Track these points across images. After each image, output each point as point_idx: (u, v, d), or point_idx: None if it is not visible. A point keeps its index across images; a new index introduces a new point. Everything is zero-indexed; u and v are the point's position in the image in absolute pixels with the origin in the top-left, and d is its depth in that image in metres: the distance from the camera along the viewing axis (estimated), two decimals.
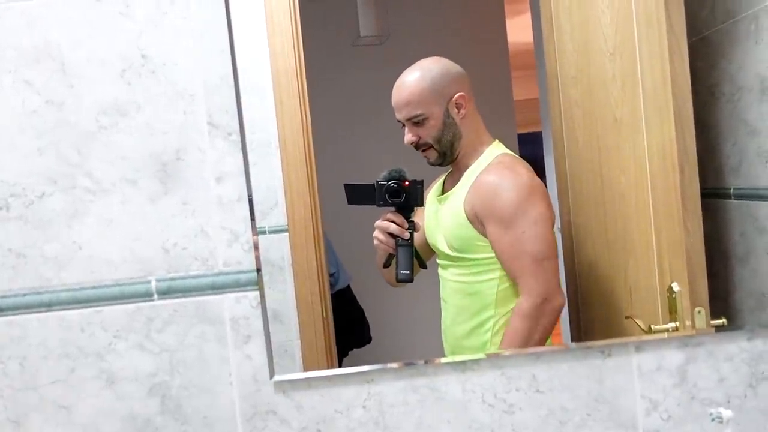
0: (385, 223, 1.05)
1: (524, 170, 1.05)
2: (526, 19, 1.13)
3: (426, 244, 1.09)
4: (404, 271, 1.03)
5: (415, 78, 1.04)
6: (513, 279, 1.02)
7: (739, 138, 1.04)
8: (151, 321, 1.01)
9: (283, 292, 1.01)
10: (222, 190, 1.00)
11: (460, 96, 1.04)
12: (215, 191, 1.00)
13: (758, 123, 1.01)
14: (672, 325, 0.99)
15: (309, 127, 1.01)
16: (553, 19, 1.14)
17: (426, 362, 1.01)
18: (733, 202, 1.05)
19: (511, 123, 1.10)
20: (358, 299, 1.09)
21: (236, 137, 0.99)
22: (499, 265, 1.03)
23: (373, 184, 1.02)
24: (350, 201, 1.02)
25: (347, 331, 1.05)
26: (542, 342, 1.03)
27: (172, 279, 1.00)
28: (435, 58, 1.05)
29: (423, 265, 1.07)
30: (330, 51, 1.07)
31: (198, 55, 0.99)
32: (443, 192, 1.09)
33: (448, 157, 1.06)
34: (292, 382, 1.01)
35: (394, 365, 1.01)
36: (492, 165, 1.05)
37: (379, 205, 1.02)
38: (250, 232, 1.00)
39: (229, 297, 1.00)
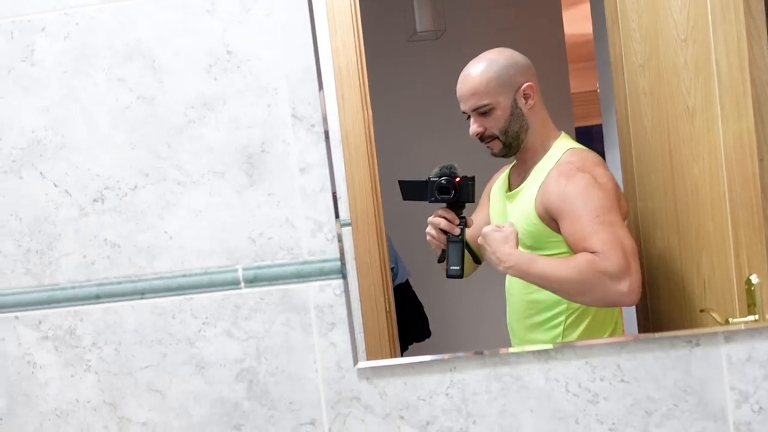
0: (436, 219, 1.05)
1: (595, 168, 1.02)
2: (584, 9, 1.11)
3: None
4: (454, 267, 1.03)
5: (482, 68, 1.03)
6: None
7: None
8: (238, 309, 1.04)
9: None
10: (305, 181, 1.02)
11: (528, 86, 1.03)
12: (299, 182, 1.02)
13: None
14: (751, 318, 0.96)
15: (370, 123, 1.02)
16: (618, 6, 1.11)
17: (509, 351, 1.01)
18: None
19: (568, 116, 1.08)
20: (418, 294, 1.09)
21: (319, 128, 1.01)
22: None
23: (426, 180, 1.03)
24: (405, 197, 1.03)
25: (407, 325, 1.05)
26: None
27: (258, 267, 1.03)
28: (500, 48, 1.04)
29: (477, 261, 1.07)
30: (387, 47, 1.07)
31: (281, 50, 1.01)
32: (510, 188, 1.08)
33: (513, 149, 1.05)
34: (376, 369, 1.02)
35: (476, 354, 1.01)
36: (562, 163, 1.03)
37: (430, 201, 1.03)
38: (334, 221, 1.02)
39: (314, 285, 1.03)
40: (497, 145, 1.04)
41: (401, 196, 1.02)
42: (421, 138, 1.08)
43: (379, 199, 1.02)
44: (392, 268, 1.05)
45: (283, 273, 1.03)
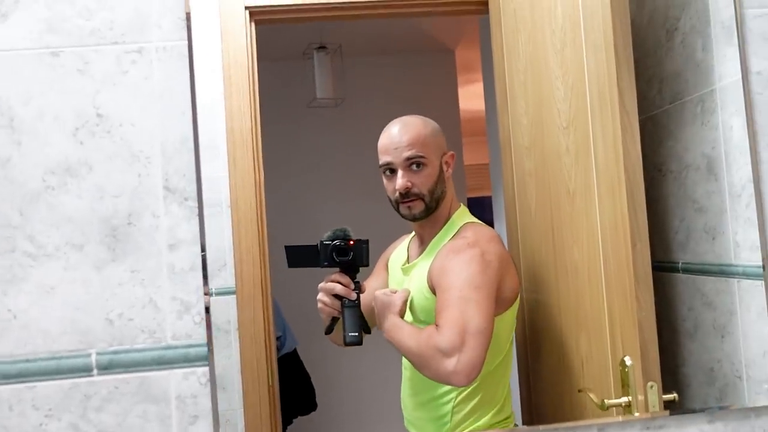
0: (330, 285, 1.01)
1: (487, 245, 1.03)
2: (478, 88, 1.16)
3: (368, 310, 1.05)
4: (353, 333, 0.99)
5: (419, 122, 1.04)
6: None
7: (687, 214, 1.07)
8: (88, 399, 0.93)
9: (228, 357, 0.96)
10: (175, 258, 0.95)
11: (451, 154, 1.05)
12: (167, 259, 0.95)
13: (704, 201, 1.04)
14: (625, 399, 0.98)
15: (262, 188, 0.99)
16: (507, 93, 1.17)
17: None
18: (681, 276, 1.08)
19: (461, 187, 1.11)
20: (305, 364, 1.05)
21: (193, 203, 0.95)
22: None
23: (317, 245, 0.99)
24: (291, 264, 0.98)
25: (293, 397, 1.01)
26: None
27: (114, 352, 0.93)
28: (423, 117, 1.05)
29: (367, 330, 1.03)
30: (286, 111, 1.07)
31: (157, 117, 0.95)
32: (408, 260, 1.07)
33: (430, 212, 1.04)
34: None
35: None
36: (456, 238, 1.04)
37: (323, 266, 0.99)
38: (203, 302, 0.94)
39: (177, 373, 0.94)
40: (419, 206, 1.03)
41: (286, 264, 0.97)
42: (317, 205, 1.08)
43: (267, 267, 0.98)
44: (279, 337, 1.00)
45: (142, 359, 0.93)
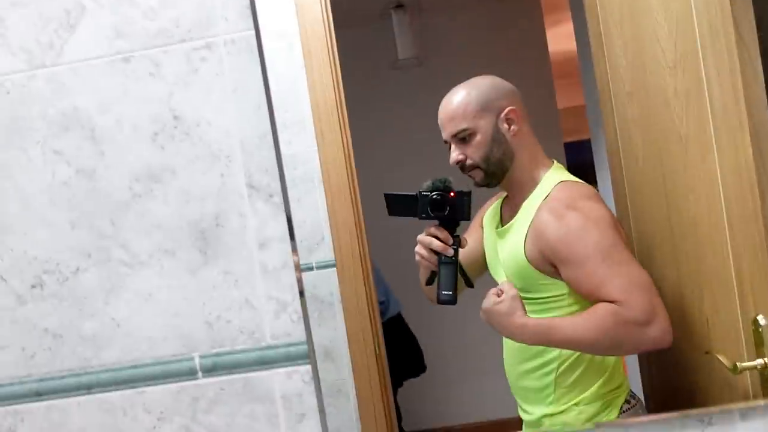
0: (427, 238, 0.96)
1: (586, 203, 0.97)
2: (568, 28, 1.09)
3: (480, 262, 1.02)
4: (446, 292, 0.94)
5: (461, 93, 0.98)
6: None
7: None
8: (196, 401, 0.94)
9: (333, 329, 0.95)
10: (266, 256, 0.93)
11: (511, 110, 0.97)
12: (259, 258, 0.93)
13: None
14: (760, 361, 0.89)
15: (351, 157, 0.95)
16: (601, 32, 1.07)
17: None
18: None
19: (556, 133, 1.05)
20: (411, 327, 1.03)
21: (278, 199, 0.92)
22: (568, 302, 0.94)
23: (416, 194, 0.94)
24: (391, 212, 0.95)
25: (401, 360, 0.99)
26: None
27: (217, 355, 0.94)
28: (483, 75, 0.99)
29: (469, 284, 0.99)
30: (369, 76, 1.03)
31: (233, 113, 0.92)
32: (501, 222, 1.01)
33: (497, 178, 0.98)
34: None
35: None
36: (551, 199, 0.96)
37: (421, 218, 0.94)
38: (298, 300, 0.92)
39: (279, 372, 0.93)
40: (479, 175, 0.98)
41: (387, 212, 0.95)
42: (407, 167, 1.03)
43: (364, 236, 0.95)
44: (383, 302, 0.98)
45: (244, 360, 0.93)
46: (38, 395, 0.95)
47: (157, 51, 0.92)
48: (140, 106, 0.93)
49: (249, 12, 0.90)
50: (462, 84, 0.98)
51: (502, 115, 0.97)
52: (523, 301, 0.95)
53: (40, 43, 0.94)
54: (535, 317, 0.95)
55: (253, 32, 0.90)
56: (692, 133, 0.95)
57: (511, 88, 0.99)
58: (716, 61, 0.90)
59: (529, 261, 0.95)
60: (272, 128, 0.92)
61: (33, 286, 0.95)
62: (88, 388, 0.95)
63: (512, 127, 0.97)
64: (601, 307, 0.92)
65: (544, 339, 0.94)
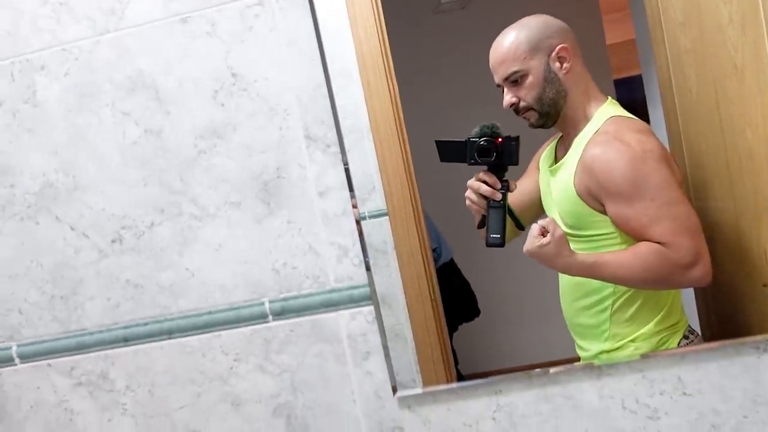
0: (476, 183, 0.98)
1: (635, 135, 0.94)
2: None
3: (537, 204, 1.02)
4: (494, 235, 0.96)
5: (511, 35, 0.96)
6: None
7: None
8: (268, 342, 1.00)
9: (388, 276, 0.98)
10: (326, 204, 0.96)
11: (562, 48, 0.95)
12: (319, 206, 0.96)
13: None
14: None
15: (399, 107, 0.96)
16: None
17: (556, 369, 0.94)
18: None
19: (605, 69, 1.01)
20: (463, 272, 1.03)
21: (335, 149, 0.95)
22: (619, 240, 0.94)
23: (465, 141, 0.95)
24: (442, 158, 0.96)
25: (454, 305, 1.00)
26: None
27: (284, 299, 0.99)
28: (534, 15, 0.97)
29: (520, 227, 1.00)
30: (411, 21, 1.01)
31: (288, 67, 0.95)
32: (555, 160, 1.01)
33: (552, 118, 0.97)
34: (417, 397, 0.97)
35: (523, 374, 0.95)
36: (600, 134, 0.95)
37: (470, 164, 0.95)
38: (359, 245, 0.96)
39: (344, 314, 0.98)
40: (533, 116, 0.97)
41: (438, 158, 0.96)
42: (455, 113, 1.02)
43: (414, 185, 0.97)
44: (435, 249, 1.00)
45: (311, 303, 0.98)
46: (125, 341, 1.03)
47: (213, 10, 0.95)
48: (200, 66, 0.96)
49: None
50: (511, 25, 0.97)
51: (553, 54, 0.95)
52: (574, 238, 0.96)
53: (103, 10, 0.98)
54: (583, 253, 0.96)
55: None
56: (748, 62, 0.92)
57: (562, 25, 0.96)
58: None
59: (579, 196, 0.95)
60: (326, 80, 0.94)
61: (113, 241, 1.02)
62: (169, 333, 1.02)
63: (564, 65, 0.95)
64: (646, 247, 0.92)
65: (591, 275, 0.96)
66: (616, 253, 0.95)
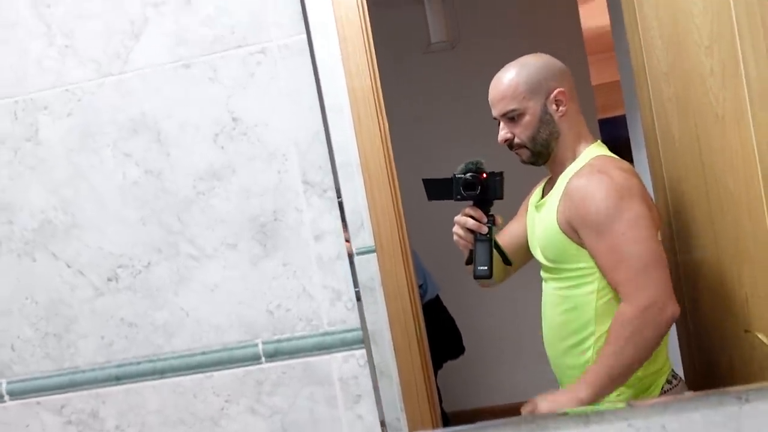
0: (462, 218, 1.00)
1: (617, 171, 0.97)
2: (601, 3, 1.08)
3: (523, 248, 1.03)
4: (481, 267, 0.98)
5: (512, 72, 0.99)
6: (615, 290, 0.95)
7: None
8: (260, 384, 1.00)
9: (375, 312, 0.99)
10: (321, 248, 0.98)
11: (559, 92, 0.98)
12: (315, 250, 0.98)
13: None
14: None
15: (389, 143, 0.98)
16: (635, 8, 1.06)
17: (542, 416, 0.96)
18: None
19: (590, 108, 1.04)
20: (449, 309, 1.05)
21: (332, 193, 0.97)
22: (598, 275, 0.96)
23: (452, 177, 0.98)
24: (430, 197, 0.99)
25: (440, 342, 1.01)
26: (641, 359, 0.95)
27: (278, 341, 1.00)
28: (536, 54, 1.00)
29: (507, 262, 1.02)
30: (402, 61, 1.04)
31: (288, 114, 0.97)
32: (542, 198, 1.03)
33: (543, 157, 1.00)
34: None
35: (511, 420, 0.96)
36: (584, 168, 0.98)
37: (456, 200, 0.98)
38: (353, 289, 0.98)
39: (337, 357, 0.99)
40: (525, 153, 1.00)
41: (426, 197, 0.98)
42: (443, 151, 1.05)
43: (403, 222, 0.99)
44: (421, 285, 1.01)
45: (304, 345, 0.99)
46: (117, 379, 1.03)
47: (215, 57, 0.98)
48: (201, 110, 0.99)
49: (300, 17, 0.95)
50: (513, 62, 0.99)
51: (551, 96, 0.98)
52: (555, 274, 0.99)
53: (107, 53, 1.01)
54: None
55: (305, 36, 0.95)
56: (728, 112, 0.94)
57: (561, 67, 1.00)
58: (752, 39, 0.89)
59: (561, 228, 0.97)
60: (324, 127, 0.96)
61: (109, 279, 1.03)
62: (161, 373, 1.02)
63: (560, 108, 0.98)
64: (616, 324, 0.95)
65: (598, 393, 0.96)
66: (600, 354, 0.97)
